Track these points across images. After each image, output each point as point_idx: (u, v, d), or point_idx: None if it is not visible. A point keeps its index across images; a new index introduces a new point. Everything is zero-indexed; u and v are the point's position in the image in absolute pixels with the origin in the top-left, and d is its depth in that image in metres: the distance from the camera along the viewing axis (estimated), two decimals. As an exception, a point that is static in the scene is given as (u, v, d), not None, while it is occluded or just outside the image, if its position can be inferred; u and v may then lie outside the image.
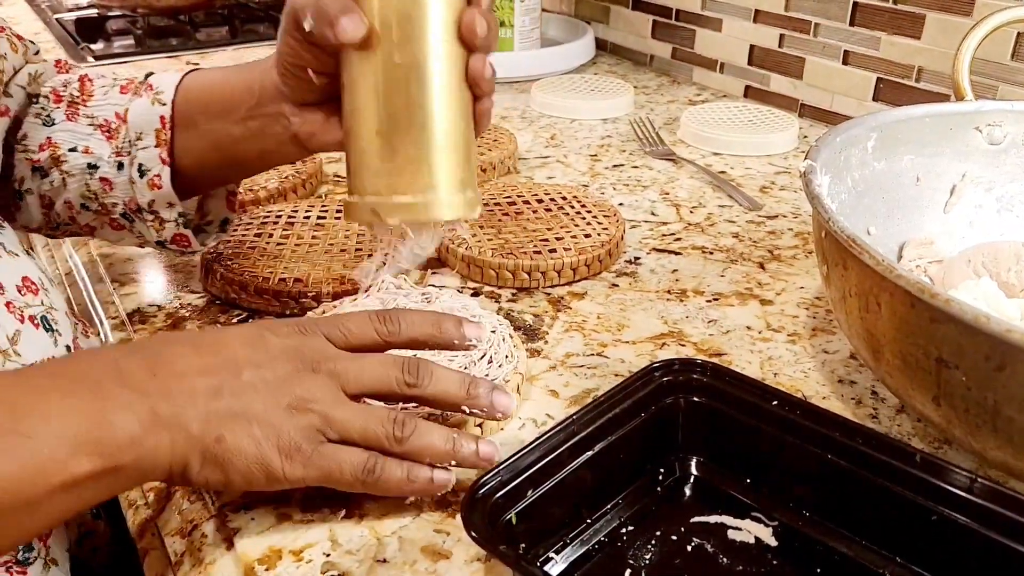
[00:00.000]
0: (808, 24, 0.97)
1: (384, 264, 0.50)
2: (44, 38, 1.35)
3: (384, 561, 0.41)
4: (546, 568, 0.41)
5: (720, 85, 1.10)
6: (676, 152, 0.90)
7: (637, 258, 0.69)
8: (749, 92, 1.07)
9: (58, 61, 0.61)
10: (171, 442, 0.37)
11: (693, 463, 0.47)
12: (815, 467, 0.43)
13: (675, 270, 0.68)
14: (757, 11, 1.02)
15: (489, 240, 0.66)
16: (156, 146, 0.54)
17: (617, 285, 0.65)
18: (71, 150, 0.56)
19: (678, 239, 0.73)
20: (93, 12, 1.43)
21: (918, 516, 0.40)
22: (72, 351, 0.49)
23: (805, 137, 0.94)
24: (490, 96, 0.48)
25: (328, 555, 0.41)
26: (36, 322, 0.46)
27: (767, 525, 0.43)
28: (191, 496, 0.46)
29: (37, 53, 0.61)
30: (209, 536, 0.43)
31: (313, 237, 0.67)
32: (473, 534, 0.37)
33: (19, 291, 0.46)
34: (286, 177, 0.78)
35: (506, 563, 0.37)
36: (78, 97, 0.57)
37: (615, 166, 0.88)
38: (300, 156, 0.55)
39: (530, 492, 0.41)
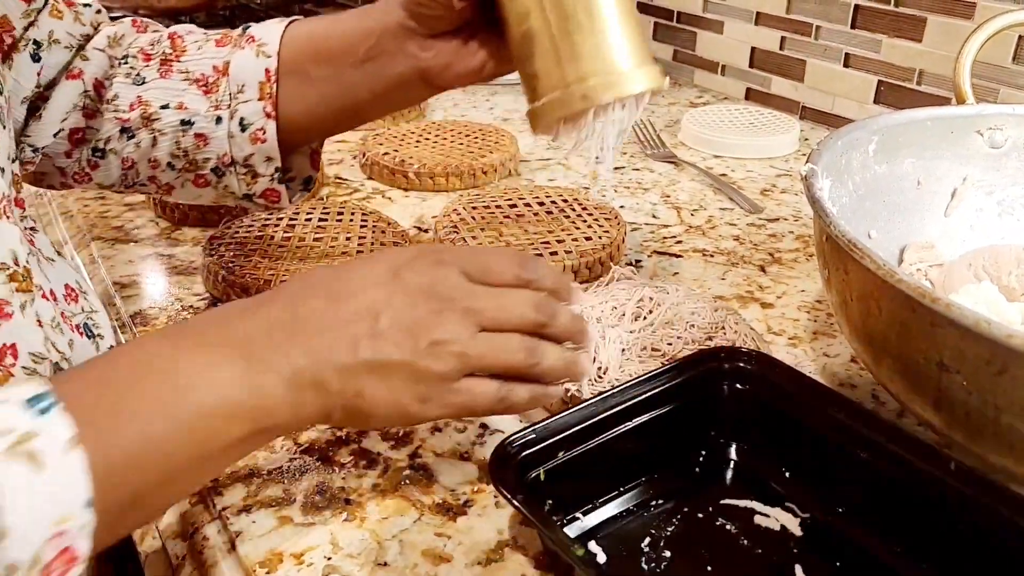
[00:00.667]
0: (809, 27, 0.97)
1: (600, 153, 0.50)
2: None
3: (385, 564, 0.41)
4: (569, 527, 0.42)
5: (721, 87, 1.10)
6: (677, 155, 0.90)
7: (638, 261, 0.69)
8: (750, 94, 1.07)
9: (135, 21, 0.59)
10: (314, 400, 0.38)
11: (733, 449, 0.47)
12: (855, 467, 0.43)
13: (676, 273, 0.68)
14: (759, 13, 1.03)
15: (491, 243, 0.67)
16: (260, 99, 0.52)
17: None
18: (163, 107, 0.54)
19: (679, 242, 0.73)
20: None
21: (952, 526, 0.40)
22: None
23: (806, 140, 0.94)
24: None
25: (329, 558, 0.41)
26: (80, 330, 0.45)
27: (796, 516, 0.44)
28: (192, 498, 0.46)
29: (99, 12, 0.58)
30: (211, 539, 0.43)
31: (315, 239, 0.67)
32: (500, 487, 0.38)
33: (66, 300, 0.45)
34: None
35: (524, 516, 0.38)
36: (171, 54, 0.55)
37: (616, 169, 0.88)
38: (425, 96, 0.54)
39: (562, 454, 0.42)
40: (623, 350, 0.52)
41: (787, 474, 0.45)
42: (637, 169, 0.88)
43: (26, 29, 0.52)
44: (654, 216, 0.77)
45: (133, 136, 0.55)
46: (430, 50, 0.49)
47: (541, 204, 0.73)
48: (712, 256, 0.70)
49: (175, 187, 0.57)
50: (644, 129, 0.95)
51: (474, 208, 0.73)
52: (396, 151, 0.85)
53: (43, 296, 0.41)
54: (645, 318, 0.54)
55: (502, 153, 0.85)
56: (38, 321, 0.40)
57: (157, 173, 0.56)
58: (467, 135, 0.90)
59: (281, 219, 0.70)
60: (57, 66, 0.54)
